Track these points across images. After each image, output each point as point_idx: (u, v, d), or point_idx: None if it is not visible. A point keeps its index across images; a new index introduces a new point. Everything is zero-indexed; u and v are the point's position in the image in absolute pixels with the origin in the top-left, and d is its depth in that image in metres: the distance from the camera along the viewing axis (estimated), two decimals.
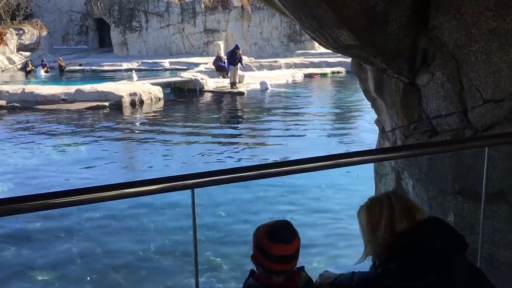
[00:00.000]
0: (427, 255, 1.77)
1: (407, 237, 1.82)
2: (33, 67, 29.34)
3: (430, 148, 2.67)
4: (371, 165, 5.17)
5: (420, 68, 3.88)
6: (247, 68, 23.28)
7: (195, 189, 1.96)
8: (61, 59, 30.34)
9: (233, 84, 20.50)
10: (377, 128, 5.06)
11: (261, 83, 20.82)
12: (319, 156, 2.27)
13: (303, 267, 1.85)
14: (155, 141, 12.27)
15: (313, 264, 5.34)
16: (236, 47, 21.68)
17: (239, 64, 20.89)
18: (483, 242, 3.44)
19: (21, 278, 5.43)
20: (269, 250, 1.69)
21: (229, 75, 21.32)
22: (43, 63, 29.62)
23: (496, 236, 3.44)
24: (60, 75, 28.38)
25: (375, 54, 3.91)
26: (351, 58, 4.90)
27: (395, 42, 3.75)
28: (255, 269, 1.80)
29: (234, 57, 20.82)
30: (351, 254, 4.68)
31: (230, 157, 10.48)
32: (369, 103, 4.98)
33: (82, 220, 6.86)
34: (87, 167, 9.79)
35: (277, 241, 1.69)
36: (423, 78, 3.85)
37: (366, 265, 1.97)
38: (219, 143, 12.05)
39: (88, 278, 5.44)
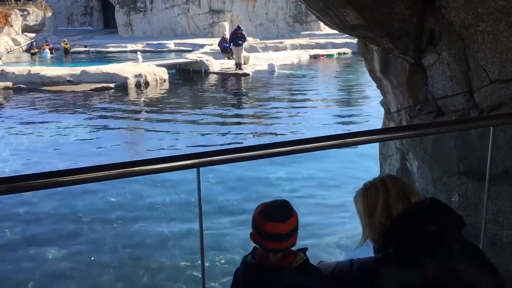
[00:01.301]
0: (424, 237, 1.78)
1: (403, 221, 1.83)
2: (38, 49, 29.28)
3: (435, 128, 2.67)
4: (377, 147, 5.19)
5: (426, 48, 3.86)
6: (248, 49, 23.09)
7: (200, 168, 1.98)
8: (65, 40, 30.26)
9: (238, 65, 20.42)
10: (382, 109, 5.05)
11: (269, 65, 20.70)
12: (324, 136, 2.28)
13: (306, 248, 1.87)
14: (160, 122, 12.30)
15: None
16: (238, 28, 21.57)
17: (242, 45, 20.78)
18: (487, 222, 3.46)
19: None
20: (262, 228, 1.73)
21: (233, 56, 21.23)
22: (47, 42, 29.55)
23: (500, 216, 3.46)
24: (65, 56, 28.33)
25: (381, 34, 3.88)
26: (357, 39, 4.87)
27: (401, 22, 3.72)
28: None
29: (236, 37, 20.72)
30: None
31: (235, 138, 10.51)
32: (375, 85, 4.97)
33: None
34: (92, 148, 9.85)
35: (270, 220, 1.72)
36: (429, 58, 3.82)
37: (365, 251, 1.99)
38: (224, 124, 12.07)
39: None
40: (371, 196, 1.89)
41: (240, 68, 20.30)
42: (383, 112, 5.02)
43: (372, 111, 11.74)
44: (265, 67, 20.81)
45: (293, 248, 1.84)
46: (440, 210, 1.92)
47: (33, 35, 32.86)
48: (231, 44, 21.15)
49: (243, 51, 21.37)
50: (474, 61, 3.48)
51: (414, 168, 4.24)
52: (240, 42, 20.66)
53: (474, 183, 3.53)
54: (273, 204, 1.78)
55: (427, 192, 3.98)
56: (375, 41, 4.10)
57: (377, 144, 5.21)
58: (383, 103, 4.92)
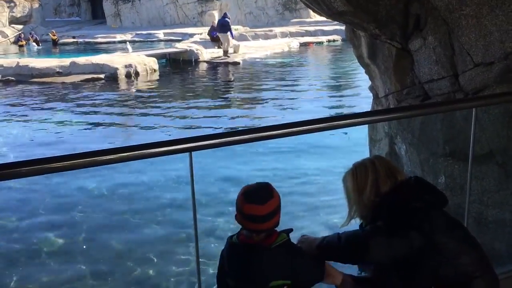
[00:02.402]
0: (410, 212, 1.87)
1: (391, 197, 1.94)
2: (25, 41, 28.96)
3: (420, 109, 2.75)
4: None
5: (412, 33, 3.92)
6: (237, 38, 23.05)
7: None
8: (53, 31, 29.92)
9: (225, 52, 20.45)
10: (371, 95, 5.12)
11: None
12: (314, 119, 2.33)
13: (291, 229, 1.92)
14: (151, 112, 12.30)
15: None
16: (225, 15, 21.57)
17: (228, 32, 20.78)
18: (472, 202, 3.57)
19: None
20: (243, 209, 1.80)
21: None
22: (32, 35, 29.21)
23: (485, 195, 3.56)
24: (53, 48, 28.06)
25: (368, 19, 3.93)
26: (345, 26, 4.92)
27: (387, 8, 3.78)
28: None
29: (222, 25, 20.72)
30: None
31: (225, 126, 10.56)
32: (364, 71, 5.03)
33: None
34: (84, 139, 9.85)
35: (249, 202, 1.79)
36: (415, 43, 3.89)
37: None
38: (215, 112, 12.10)
39: None
40: (360, 175, 2.00)
41: (227, 56, 20.30)
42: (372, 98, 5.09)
43: (360, 98, 11.83)
44: (256, 55, 20.76)
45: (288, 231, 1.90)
46: (424, 187, 2.02)
47: (20, 27, 32.46)
48: (220, 30, 21.15)
49: (233, 40, 21.33)
50: (459, 45, 3.56)
51: (402, 152, 4.33)
52: (226, 29, 20.67)
53: (459, 164, 3.62)
54: (254, 187, 1.84)
55: (415, 174, 4.07)
56: (362, 27, 4.15)
57: (366, 130, 5.30)
58: (371, 88, 4.99)
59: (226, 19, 21.03)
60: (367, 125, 5.24)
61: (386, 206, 1.93)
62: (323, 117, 2.41)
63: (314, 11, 4.47)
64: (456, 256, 1.86)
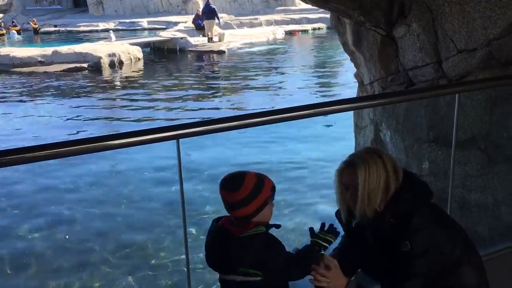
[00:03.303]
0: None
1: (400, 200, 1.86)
2: (6, 30, 28.41)
3: (404, 96, 2.78)
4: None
5: (397, 21, 3.95)
6: (222, 26, 23.03)
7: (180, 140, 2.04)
8: (34, 20, 29.39)
9: (210, 39, 20.53)
10: (357, 82, 5.16)
11: None
12: (300, 106, 2.35)
13: (279, 225, 1.89)
14: (136, 102, 12.21)
15: None
16: (208, 1, 21.56)
17: (215, 19, 20.77)
18: (455, 186, 3.64)
19: None
20: (220, 195, 1.86)
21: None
22: (13, 23, 28.69)
23: (467, 180, 3.63)
24: (34, 37, 27.58)
25: (352, 7, 3.95)
26: (330, 13, 4.93)
27: None
28: None
29: (211, 11, 20.67)
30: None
31: (212, 115, 10.54)
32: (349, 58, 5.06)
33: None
34: (69, 130, 9.76)
35: (222, 188, 1.84)
36: (399, 30, 3.92)
37: None
38: (200, 102, 12.07)
39: None
40: (372, 180, 1.85)
41: (212, 41, 20.34)
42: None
43: (347, 87, 11.90)
44: (241, 44, 20.70)
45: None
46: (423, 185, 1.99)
47: (0, 15, 31.81)
48: (203, 18, 21.11)
49: (218, 27, 21.27)
50: (442, 32, 3.60)
51: (387, 138, 4.38)
52: (213, 15, 20.68)
53: (443, 149, 3.68)
54: (230, 174, 1.87)
55: (400, 160, 4.13)
56: (347, 14, 4.17)
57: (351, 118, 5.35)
58: (356, 76, 5.03)
59: (212, 5, 20.97)
60: (352, 112, 5.29)
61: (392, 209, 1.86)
62: (309, 103, 2.41)
63: None
64: (446, 246, 1.89)
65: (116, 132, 1.92)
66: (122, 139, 1.95)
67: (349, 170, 1.89)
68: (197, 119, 9.97)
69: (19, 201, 6.46)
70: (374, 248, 1.95)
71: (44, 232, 5.63)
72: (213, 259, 1.87)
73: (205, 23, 21.07)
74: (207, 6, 21.41)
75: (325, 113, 2.42)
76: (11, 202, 6.42)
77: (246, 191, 1.81)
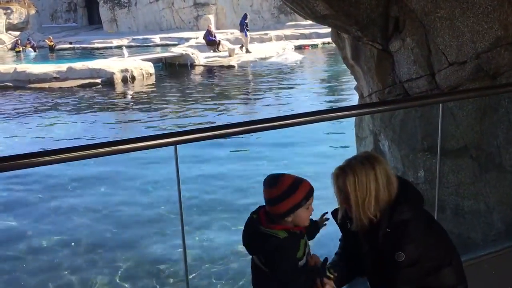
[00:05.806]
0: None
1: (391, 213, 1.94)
2: (22, 47, 29.14)
3: (395, 104, 2.95)
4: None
5: (392, 35, 4.12)
6: (233, 42, 24.08)
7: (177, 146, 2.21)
8: (50, 38, 30.07)
9: (246, 50, 22.31)
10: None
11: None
12: (302, 113, 2.49)
13: (309, 238, 2.05)
14: (147, 116, 12.48)
15: None
16: (244, 16, 23.40)
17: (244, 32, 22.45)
18: (449, 194, 3.77)
19: None
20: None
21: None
22: (29, 41, 29.41)
23: (461, 187, 3.75)
24: (50, 54, 28.23)
25: (350, 22, 4.13)
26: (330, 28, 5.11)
27: (368, 11, 3.98)
28: None
29: (240, 24, 22.71)
30: None
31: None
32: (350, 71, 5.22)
33: None
34: (81, 142, 10.02)
35: (264, 184, 1.99)
36: (395, 44, 4.09)
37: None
38: (211, 115, 12.30)
39: None
40: (361, 190, 1.91)
41: (248, 52, 22.23)
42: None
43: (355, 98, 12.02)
44: (250, 59, 21.04)
45: None
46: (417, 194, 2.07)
47: (17, 33, 32.62)
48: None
49: (227, 43, 21.84)
50: (434, 46, 3.76)
51: (386, 148, 4.52)
52: (241, 28, 22.65)
53: (436, 158, 3.81)
54: (272, 174, 2.00)
55: (397, 169, 4.27)
56: (345, 29, 4.35)
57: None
58: (356, 88, 5.19)
59: (241, 19, 22.78)
60: (354, 125, 5.44)
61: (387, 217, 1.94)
62: (311, 110, 2.57)
63: (299, 14, 4.66)
64: (435, 253, 2.00)
65: (114, 139, 2.07)
66: (119, 145, 2.08)
67: (341, 177, 1.98)
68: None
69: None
70: (368, 256, 2.04)
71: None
72: (243, 238, 2.02)
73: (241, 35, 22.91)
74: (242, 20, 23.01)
75: (327, 120, 2.57)
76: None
77: (280, 189, 1.92)
